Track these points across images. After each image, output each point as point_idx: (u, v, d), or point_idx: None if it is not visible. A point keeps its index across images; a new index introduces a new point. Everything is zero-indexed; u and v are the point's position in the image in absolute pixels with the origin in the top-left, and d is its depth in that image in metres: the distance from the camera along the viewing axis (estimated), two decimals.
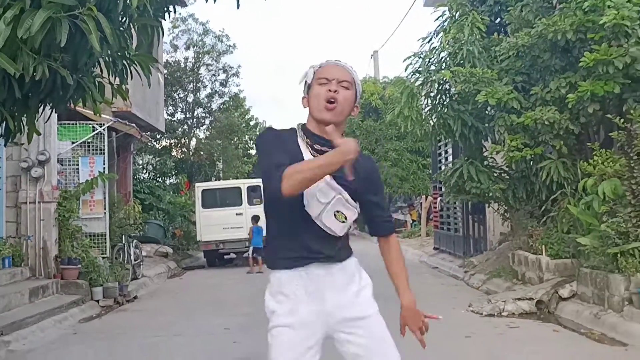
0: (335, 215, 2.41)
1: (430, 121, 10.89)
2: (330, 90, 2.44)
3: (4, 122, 4.80)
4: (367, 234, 26.37)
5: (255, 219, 14.87)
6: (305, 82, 2.52)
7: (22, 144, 8.13)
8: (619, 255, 6.94)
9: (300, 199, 2.38)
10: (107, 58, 4.25)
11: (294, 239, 2.44)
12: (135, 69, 4.73)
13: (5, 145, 6.00)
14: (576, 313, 7.52)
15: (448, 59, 10.37)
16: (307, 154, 2.43)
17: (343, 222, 2.44)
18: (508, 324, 7.41)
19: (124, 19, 4.20)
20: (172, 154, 24.90)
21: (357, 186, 2.45)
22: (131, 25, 4.39)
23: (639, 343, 5.99)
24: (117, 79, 4.76)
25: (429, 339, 7.04)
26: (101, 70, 4.70)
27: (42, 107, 4.70)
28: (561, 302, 8.05)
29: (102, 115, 10.14)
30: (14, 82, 3.86)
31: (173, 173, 23.62)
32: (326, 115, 2.45)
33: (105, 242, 11.25)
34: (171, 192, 21.21)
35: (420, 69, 10.60)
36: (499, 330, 7.09)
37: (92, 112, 5.09)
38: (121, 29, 4.21)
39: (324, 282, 2.46)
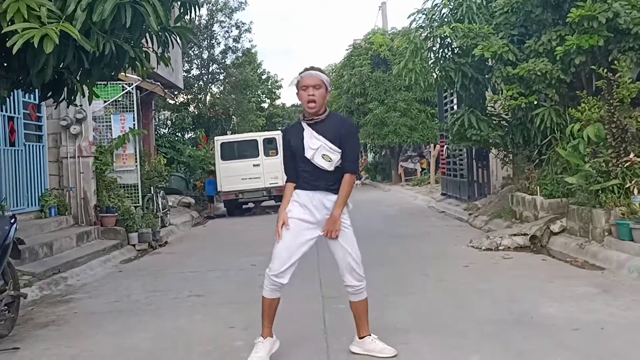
0: (322, 157, 4.07)
1: (434, 73, 11.62)
2: (309, 95, 4.07)
3: (65, 87, 5.71)
4: (378, 183, 27.35)
5: None
6: (296, 85, 4.18)
7: (81, 105, 9.00)
8: (600, 191, 7.79)
9: (303, 148, 4.09)
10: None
11: (305, 174, 4.15)
12: (175, 39, 5.56)
13: (68, 107, 6.84)
14: (564, 245, 8.39)
15: (449, 14, 11.03)
16: (306, 128, 4.13)
17: (329, 161, 4.09)
18: (503, 256, 8.30)
19: None
20: (190, 110, 25.68)
21: (335, 138, 4.07)
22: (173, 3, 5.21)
23: (614, 267, 6.87)
24: (160, 48, 5.59)
25: (433, 268, 8.30)
26: (146, 42, 5.53)
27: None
28: (552, 237, 8.88)
29: (128, 75, 10.95)
30: (82, 55, 4.72)
31: (191, 128, 24.47)
32: (311, 110, 4.11)
33: (137, 193, 12.21)
34: (190, 146, 22.07)
35: (423, 24, 11.28)
36: (494, 261, 7.98)
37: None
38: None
39: (321, 202, 4.13)
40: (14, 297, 5.32)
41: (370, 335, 4.26)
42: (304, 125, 4.16)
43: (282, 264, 4.07)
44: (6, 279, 5.27)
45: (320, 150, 4.06)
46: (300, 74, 4.15)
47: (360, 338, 4.27)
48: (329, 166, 4.08)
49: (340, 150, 4.09)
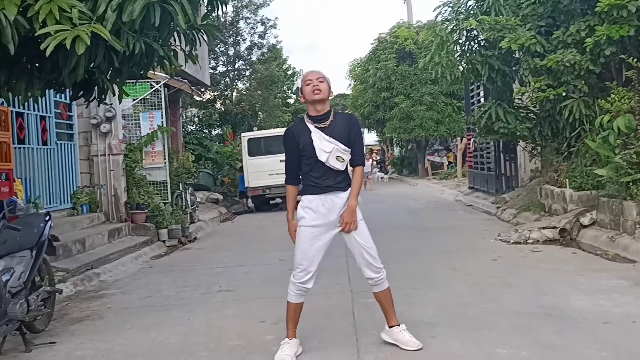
0: (337, 158, 4.17)
1: (460, 66, 11.54)
2: (314, 86, 4.19)
3: (96, 86, 5.83)
4: (404, 177, 27.27)
5: None
6: (299, 87, 4.26)
7: (111, 104, 9.17)
8: (631, 183, 7.69)
9: (314, 152, 4.14)
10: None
11: (315, 182, 4.19)
12: (202, 37, 5.63)
13: (98, 105, 6.98)
14: (594, 238, 8.30)
15: (475, 7, 10.94)
16: (313, 130, 4.19)
17: (342, 162, 4.20)
18: (532, 249, 8.25)
19: None
20: (216, 106, 25.87)
21: (344, 138, 4.19)
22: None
23: None
24: (187, 46, 5.66)
25: (460, 261, 8.29)
26: (174, 40, 5.60)
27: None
28: (582, 230, 8.80)
29: (156, 73, 11.09)
30: (112, 54, 4.81)
31: (218, 124, 24.65)
32: (316, 97, 4.21)
33: (166, 189, 12.38)
34: (217, 143, 22.24)
35: (449, 17, 11.21)
36: (522, 254, 7.93)
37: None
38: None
39: (333, 202, 4.20)
40: (49, 293, 5.45)
41: (399, 325, 4.32)
42: (311, 127, 4.21)
43: (306, 273, 4.19)
44: (42, 275, 5.41)
45: (334, 152, 4.15)
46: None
47: (389, 327, 4.34)
48: (341, 166, 4.20)
49: (349, 150, 4.22)
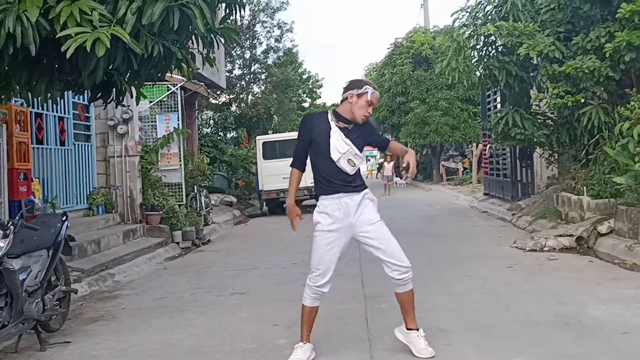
0: (348, 161, 4.14)
1: (477, 72, 11.49)
2: (368, 112, 4.23)
3: (114, 88, 5.86)
4: (419, 183, 27.10)
5: None
6: (360, 93, 4.19)
7: (129, 106, 9.23)
8: None
9: (327, 148, 4.12)
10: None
11: (329, 179, 4.17)
12: (220, 40, 5.64)
13: (116, 107, 7.04)
14: (612, 247, 8.18)
15: (493, 12, 10.88)
16: (334, 128, 4.18)
17: (352, 166, 4.17)
18: (548, 257, 8.17)
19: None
20: (232, 109, 25.98)
21: (361, 144, 4.20)
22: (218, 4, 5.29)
23: None
24: (205, 49, 5.68)
25: (476, 268, 8.18)
26: (192, 42, 5.63)
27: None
28: (600, 238, 8.67)
29: (173, 76, 11.16)
30: (131, 57, 4.84)
31: (233, 127, 24.75)
32: (360, 121, 4.23)
33: (181, 191, 12.43)
34: (232, 145, 22.32)
35: (466, 23, 11.17)
36: (538, 262, 7.85)
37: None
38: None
39: (349, 205, 4.17)
40: (65, 293, 5.49)
41: (417, 330, 4.26)
42: (333, 124, 4.20)
43: (323, 277, 4.18)
44: (58, 274, 5.44)
45: (347, 155, 4.14)
46: (372, 88, 4.21)
47: (407, 329, 4.29)
48: (351, 171, 4.18)
49: (362, 156, 4.30)
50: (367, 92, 4.18)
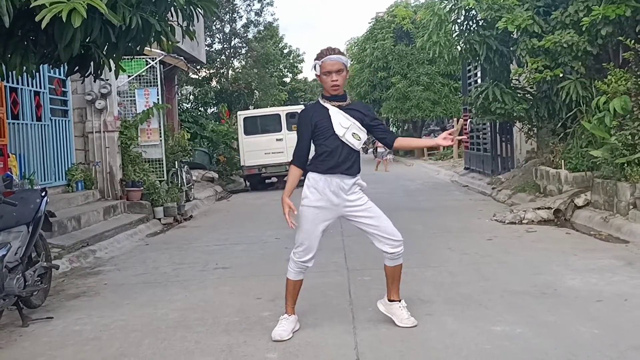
0: (353, 135, 4.17)
1: (458, 46, 11.49)
2: (332, 80, 4.15)
3: (92, 62, 5.78)
4: (400, 158, 27.08)
5: None
6: (315, 69, 4.21)
7: (107, 80, 9.10)
8: (625, 165, 7.72)
9: (331, 126, 4.14)
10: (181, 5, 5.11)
11: (327, 161, 4.15)
12: (200, 12, 5.58)
13: (94, 81, 6.93)
14: (588, 218, 8.36)
15: None
16: (331, 108, 4.18)
17: (358, 140, 4.21)
18: (526, 230, 8.31)
19: None
20: (212, 84, 25.73)
21: (361, 120, 4.22)
22: None
23: (639, 240, 6.86)
24: (185, 22, 5.62)
25: (456, 241, 8.30)
26: (171, 15, 5.56)
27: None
28: (577, 210, 8.86)
29: (152, 50, 10.99)
30: (109, 29, 4.77)
31: (214, 102, 24.56)
32: (335, 92, 4.20)
33: (162, 167, 12.34)
34: (213, 121, 22.17)
35: None
36: (517, 234, 7.99)
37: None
38: None
39: (339, 186, 4.16)
40: (46, 269, 5.47)
41: (400, 301, 4.34)
42: (328, 106, 4.21)
43: (307, 253, 4.21)
44: (38, 250, 5.41)
45: (351, 128, 4.16)
46: (320, 59, 4.16)
47: (389, 300, 4.36)
48: (358, 145, 4.20)
49: (365, 131, 4.25)
50: (315, 65, 4.19)
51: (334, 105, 4.20)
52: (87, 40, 4.86)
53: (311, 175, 4.22)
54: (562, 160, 9.85)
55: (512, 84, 11.24)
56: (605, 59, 9.57)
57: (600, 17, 8.49)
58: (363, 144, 4.36)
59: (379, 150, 24.68)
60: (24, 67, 5.09)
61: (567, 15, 9.36)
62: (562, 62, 9.47)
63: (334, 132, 4.15)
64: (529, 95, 11.16)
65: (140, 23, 4.52)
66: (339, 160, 4.16)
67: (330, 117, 4.17)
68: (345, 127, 4.16)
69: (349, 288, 5.49)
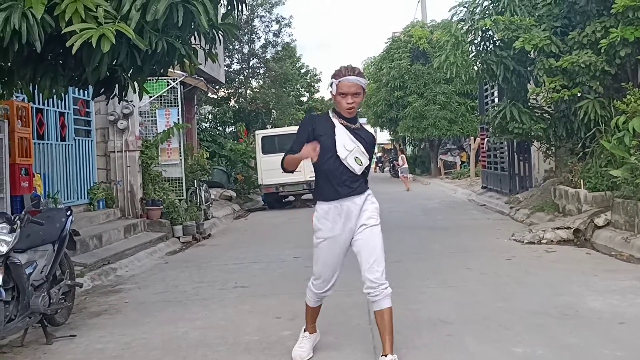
0: (355, 159, 3.95)
1: (475, 66, 11.55)
2: (348, 103, 3.94)
3: (117, 84, 5.92)
4: (417, 176, 26.91)
5: None
6: (331, 88, 4.01)
7: (131, 101, 9.28)
8: None
9: (334, 145, 3.91)
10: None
11: (331, 183, 3.97)
12: (222, 35, 5.70)
13: (119, 102, 7.08)
14: (609, 239, 8.30)
15: (490, 7, 10.94)
16: (338, 125, 3.98)
17: (360, 165, 3.98)
18: (546, 250, 8.27)
19: None
20: (230, 104, 25.99)
21: (365, 146, 4.00)
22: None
23: None
24: (207, 45, 5.73)
25: (474, 260, 8.23)
26: (195, 38, 5.68)
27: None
28: (597, 230, 8.79)
29: (173, 71, 11.17)
30: (135, 53, 4.89)
31: (232, 122, 24.79)
32: (347, 115, 3.99)
33: (181, 186, 12.47)
34: (231, 140, 22.35)
35: (464, 17, 11.22)
36: (537, 254, 7.95)
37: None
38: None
39: (350, 209, 3.97)
40: (70, 287, 5.56)
41: (386, 356, 3.84)
42: (336, 122, 3.99)
43: (326, 284, 4.11)
44: (63, 269, 5.50)
45: (354, 152, 3.95)
46: (337, 78, 3.94)
47: (383, 355, 3.89)
48: (359, 170, 3.98)
49: (368, 157, 4.03)
50: (332, 83, 3.95)
51: (342, 124, 3.98)
52: (113, 64, 4.98)
53: (319, 207, 4.05)
54: (581, 180, 9.81)
55: (529, 104, 11.26)
56: (623, 79, 9.57)
57: (618, 39, 8.51)
58: (379, 162, 4.21)
59: (398, 167, 24.51)
60: (54, 90, 5.23)
61: (584, 35, 9.40)
62: (580, 82, 9.49)
63: (336, 152, 3.93)
64: (546, 114, 11.17)
65: (165, 47, 4.64)
66: (345, 182, 3.96)
67: (335, 135, 3.94)
68: (349, 149, 3.94)
69: (369, 308, 5.50)
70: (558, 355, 4.00)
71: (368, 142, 4.05)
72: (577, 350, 4.07)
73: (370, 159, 4.11)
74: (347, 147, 3.95)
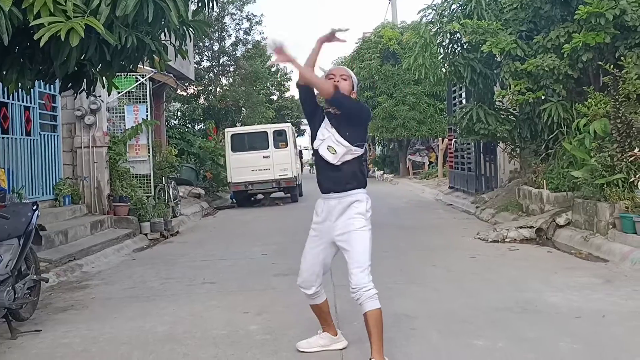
0: (327, 148, 3.84)
1: (443, 68, 11.74)
2: (335, 81, 3.90)
3: (85, 78, 5.90)
4: (385, 175, 26.96)
5: None
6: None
7: (99, 96, 9.18)
8: (605, 185, 7.92)
9: (315, 138, 3.89)
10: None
11: (319, 176, 3.97)
12: (192, 32, 5.71)
13: (87, 97, 7.02)
14: (569, 237, 8.52)
15: (459, 10, 11.13)
16: (323, 115, 3.94)
17: (333, 153, 3.83)
18: (509, 248, 8.46)
19: None
20: (200, 101, 25.83)
21: (346, 129, 3.82)
22: None
23: (617, 259, 7.02)
24: (177, 41, 5.74)
25: (440, 258, 8.39)
26: (164, 34, 5.69)
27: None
28: (558, 229, 9.03)
29: (142, 67, 11.09)
30: (104, 47, 4.89)
31: (201, 119, 24.64)
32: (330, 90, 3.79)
33: (149, 183, 12.39)
34: (200, 138, 22.24)
35: (433, 20, 11.40)
36: (500, 252, 8.14)
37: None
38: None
39: (335, 207, 3.90)
40: (35, 282, 5.52)
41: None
42: (324, 113, 3.96)
43: (308, 284, 4.06)
44: (28, 263, 5.46)
45: (326, 140, 3.83)
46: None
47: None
48: (332, 159, 3.81)
49: (348, 145, 3.80)
50: (324, 72, 4.09)
51: (327, 111, 3.92)
52: (82, 58, 4.97)
53: (318, 200, 4.09)
54: (544, 180, 10.05)
55: (495, 106, 11.48)
56: (585, 83, 9.83)
57: (580, 44, 8.75)
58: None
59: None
60: (20, 83, 5.19)
61: (548, 39, 9.63)
62: (544, 85, 9.72)
63: (313, 144, 3.94)
64: (512, 116, 11.40)
65: (135, 42, 4.64)
66: (330, 178, 3.88)
67: (318, 125, 3.92)
68: (322, 139, 3.85)
69: (335, 303, 5.58)
70: (517, 347, 4.14)
71: (351, 116, 3.83)
72: (536, 343, 4.21)
73: (363, 139, 3.89)
74: (320, 136, 3.88)
